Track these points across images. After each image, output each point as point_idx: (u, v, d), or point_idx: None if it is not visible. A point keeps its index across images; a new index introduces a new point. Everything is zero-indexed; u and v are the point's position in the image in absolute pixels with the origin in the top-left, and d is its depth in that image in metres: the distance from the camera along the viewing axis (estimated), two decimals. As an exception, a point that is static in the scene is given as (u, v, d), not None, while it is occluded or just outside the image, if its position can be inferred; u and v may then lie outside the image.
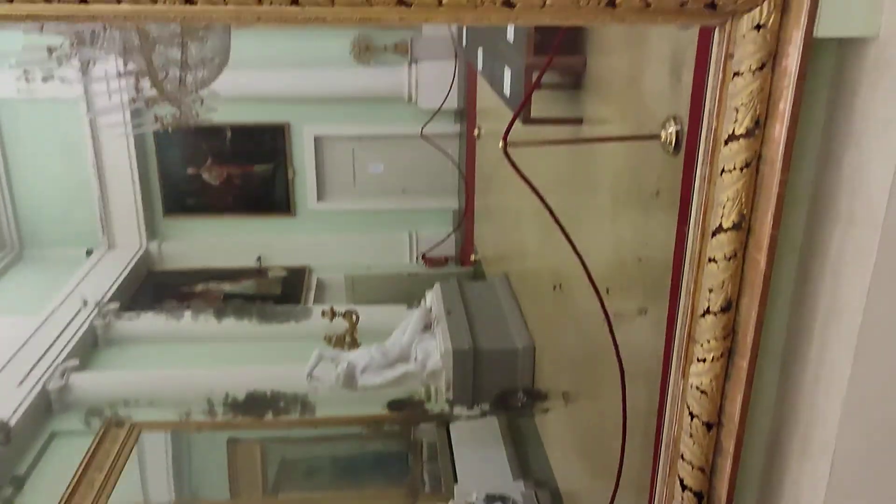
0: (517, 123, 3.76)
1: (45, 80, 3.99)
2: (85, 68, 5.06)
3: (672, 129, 2.87)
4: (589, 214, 3.83)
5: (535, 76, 3.82)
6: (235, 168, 7.14)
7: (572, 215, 3.58)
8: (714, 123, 1.17)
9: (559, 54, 4.05)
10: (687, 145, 2.77)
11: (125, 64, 4.66)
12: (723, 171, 1.18)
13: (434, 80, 6.97)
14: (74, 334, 5.49)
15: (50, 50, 4.55)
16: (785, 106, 1.13)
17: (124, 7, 1.06)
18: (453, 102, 6.96)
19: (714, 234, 1.22)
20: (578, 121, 4.26)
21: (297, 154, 7.15)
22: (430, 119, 6.74)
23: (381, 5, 1.07)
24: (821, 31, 1.09)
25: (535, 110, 4.26)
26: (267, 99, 6.91)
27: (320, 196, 7.25)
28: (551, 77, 4.42)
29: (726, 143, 1.17)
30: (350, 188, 7.32)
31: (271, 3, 1.05)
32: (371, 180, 7.34)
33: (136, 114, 5.25)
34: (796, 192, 1.25)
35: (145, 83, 4.67)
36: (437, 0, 1.06)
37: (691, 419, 1.32)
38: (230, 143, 7.08)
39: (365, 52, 7.07)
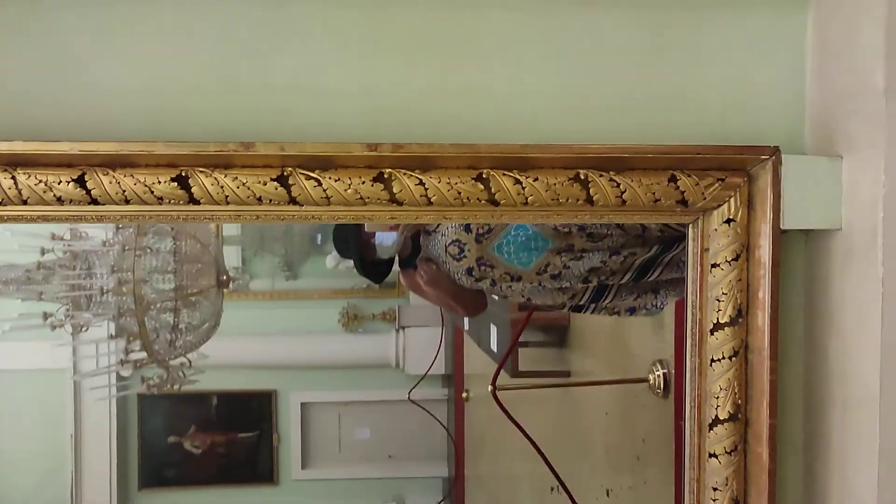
0: (507, 376, 3.78)
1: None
2: (77, 332, 5.14)
3: (659, 372, 2.91)
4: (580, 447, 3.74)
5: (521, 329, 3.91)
6: (220, 436, 6.97)
7: (564, 456, 3.48)
8: (698, 315, 1.20)
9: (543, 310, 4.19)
10: (675, 387, 2.79)
11: (117, 327, 4.75)
12: (712, 360, 1.19)
13: (421, 346, 7.08)
14: None
15: (45, 315, 4.65)
16: (764, 295, 1.17)
17: (132, 207, 1.12)
18: (441, 367, 7.01)
19: (711, 426, 1.19)
20: (566, 373, 4.31)
21: (282, 421, 7.03)
22: (417, 383, 6.74)
23: (374, 205, 1.14)
24: (786, 223, 1.16)
25: (523, 365, 4.31)
26: (255, 366, 6.95)
27: (305, 464, 7.01)
28: (537, 336, 4.55)
29: (712, 332, 1.19)
30: (335, 455, 7.10)
31: (270, 201, 1.12)
32: (357, 446, 7.15)
33: (122, 377, 5.24)
34: (789, 381, 1.25)
35: (134, 345, 4.73)
36: (426, 199, 1.14)
37: None
38: (216, 411, 6.98)
39: (353, 321, 7.27)
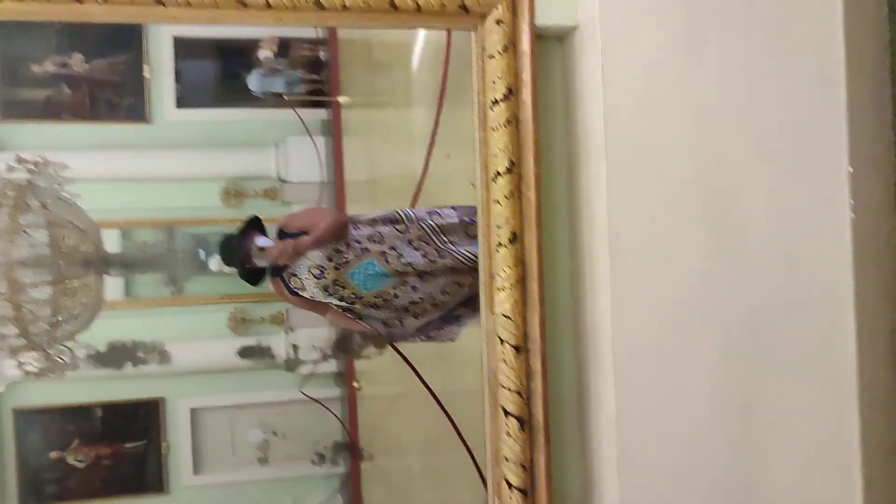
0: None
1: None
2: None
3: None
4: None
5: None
6: (105, 448, 6.87)
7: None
8: (481, 97, 1.56)
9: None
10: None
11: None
12: (493, 128, 1.55)
13: (310, 345, 7.24)
14: None
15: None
16: (526, 77, 1.54)
17: None
18: (334, 365, 7.18)
19: (495, 178, 1.54)
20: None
21: (171, 428, 7.01)
22: (307, 379, 6.90)
23: (224, 8, 1.45)
24: (539, 21, 1.54)
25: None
26: (141, 375, 6.91)
27: (197, 470, 6.99)
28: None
29: (491, 107, 1.55)
30: (229, 459, 7.12)
31: (136, 0, 1.41)
32: (251, 449, 7.19)
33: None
34: (554, 145, 1.62)
35: (10, 331, 4.73)
36: (266, 4, 1.46)
37: (502, 345, 1.51)
38: (100, 423, 6.89)
39: (241, 325, 7.36)
